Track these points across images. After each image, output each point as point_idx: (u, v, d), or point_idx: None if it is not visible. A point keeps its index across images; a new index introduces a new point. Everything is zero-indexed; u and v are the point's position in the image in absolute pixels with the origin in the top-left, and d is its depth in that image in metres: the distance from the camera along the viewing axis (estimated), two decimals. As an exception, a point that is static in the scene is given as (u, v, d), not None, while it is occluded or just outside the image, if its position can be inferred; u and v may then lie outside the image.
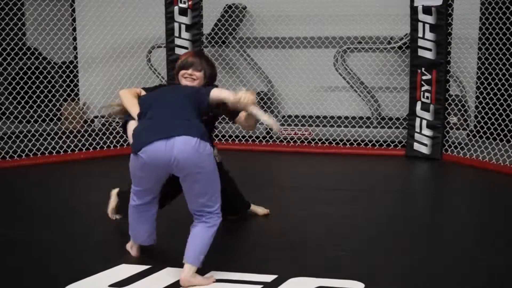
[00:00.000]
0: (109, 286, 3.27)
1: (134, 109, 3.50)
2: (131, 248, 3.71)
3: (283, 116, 7.78)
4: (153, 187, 3.42)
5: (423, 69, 6.62)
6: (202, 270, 3.43)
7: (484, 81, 6.78)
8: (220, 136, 7.47)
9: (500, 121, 6.50)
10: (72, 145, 6.77)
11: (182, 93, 3.49)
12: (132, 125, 3.49)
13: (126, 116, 3.61)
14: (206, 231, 3.32)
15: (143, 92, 3.69)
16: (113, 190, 4.40)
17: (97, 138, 6.99)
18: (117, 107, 3.71)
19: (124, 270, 3.48)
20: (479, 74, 7.10)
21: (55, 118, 7.48)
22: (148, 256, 3.69)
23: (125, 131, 3.59)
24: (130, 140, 3.41)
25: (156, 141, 3.17)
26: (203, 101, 3.42)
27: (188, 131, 3.19)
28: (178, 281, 3.29)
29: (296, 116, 7.66)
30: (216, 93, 3.43)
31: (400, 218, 4.65)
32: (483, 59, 6.98)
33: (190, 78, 3.69)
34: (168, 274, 3.41)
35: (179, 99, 3.41)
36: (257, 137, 7.45)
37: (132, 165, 3.37)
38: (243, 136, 7.39)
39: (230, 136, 7.46)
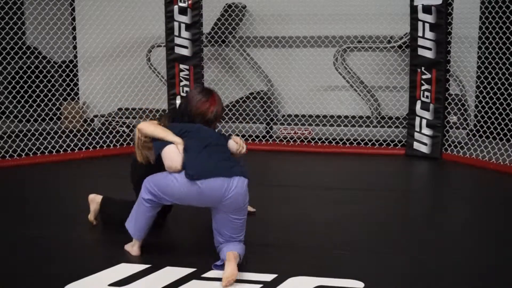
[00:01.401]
0: (109, 285, 3.27)
1: (169, 135, 3.57)
2: (132, 247, 3.71)
3: (283, 116, 7.78)
4: (181, 204, 3.58)
5: (423, 68, 6.62)
6: (202, 270, 3.44)
7: (484, 80, 6.79)
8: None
9: (500, 120, 6.51)
10: (72, 145, 6.77)
11: (217, 136, 3.77)
12: (172, 150, 3.51)
13: (156, 144, 3.61)
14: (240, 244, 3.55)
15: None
16: (91, 196, 4.37)
17: (97, 138, 6.99)
18: (148, 143, 3.72)
19: (124, 269, 3.48)
20: (479, 73, 7.11)
21: (55, 118, 7.48)
22: (147, 255, 3.69)
23: (160, 162, 3.58)
24: (174, 163, 3.46)
25: (218, 177, 3.41)
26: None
27: (244, 173, 3.51)
28: (177, 280, 3.29)
29: (296, 116, 7.66)
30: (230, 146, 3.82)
31: (400, 218, 4.65)
32: (483, 58, 6.99)
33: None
34: (167, 273, 3.41)
35: (220, 141, 3.72)
36: (257, 136, 7.45)
37: (176, 185, 3.44)
38: (243, 135, 7.39)
39: (230, 136, 7.44)
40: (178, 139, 3.54)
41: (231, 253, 3.38)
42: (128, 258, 3.64)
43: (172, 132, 3.60)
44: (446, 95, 6.63)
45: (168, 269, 3.47)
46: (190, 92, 3.93)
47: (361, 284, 3.27)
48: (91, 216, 4.30)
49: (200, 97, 3.81)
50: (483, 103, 6.70)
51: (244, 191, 3.47)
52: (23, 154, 6.45)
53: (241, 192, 3.44)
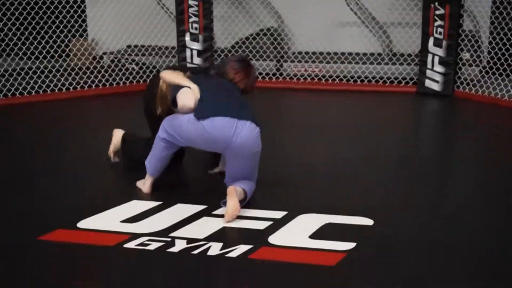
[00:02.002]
0: (121, 221, 3.31)
1: (185, 81, 3.56)
2: (144, 184, 3.75)
3: (293, 53, 7.69)
4: (194, 147, 3.59)
5: (436, 3, 6.48)
6: (213, 207, 3.47)
7: (499, 16, 6.64)
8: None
9: (513, 57, 6.40)
10: (82, 82, 6.75)
11: (239, 92, 3.68)
12: (186, 91, 3.50)
13: (174, 89, 3.60)
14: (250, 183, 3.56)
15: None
16: (115, 131, 4.37)
17: (106, 75, 6.95)
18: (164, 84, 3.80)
19: (135, 206, 3.51)
20: (493, 8, 6.94)
21: (63, 55, 7.43)
22: (159, 192, 3.73)
23: (175, 104, 3.56)
24: (187, 103, 3.46)
25: (225, 116, 3.40)
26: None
27: (255, 119, 3.47)
28: (188, 218, 3.33)
29: (307, 53, 7.57)
30: None
31: (410, 156, 4.64)
32: (498, -7, 6.82)
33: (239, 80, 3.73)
34: (178, 210, 3.45)
35: (236, 93, 3.64)
36: (267, 74, 7.39)
37: (186, 124, 3.45)
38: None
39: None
40: (193, 85, 3.54)
41: (232, 188, 3.38)
42: (140, 195, 3.68)
43: (193, 81, 3.59)
44: (460, 31, 6.51)
45: (179, 206, 3.51)
46: (229, 58, 3.86)
47: (371, 222, 3.29)
48: (110, 150, 4.31)
49: (237, 66, 3.72)
50: (497, 40, 6.58)
51: (254, 138, 3.43)
52: (33, 92, 6.45)
53: (251, 138, 3.41)
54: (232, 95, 3.59)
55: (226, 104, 3.47)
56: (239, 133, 3.39)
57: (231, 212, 3.28)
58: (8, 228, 3.26)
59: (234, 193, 3.34)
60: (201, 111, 3.43)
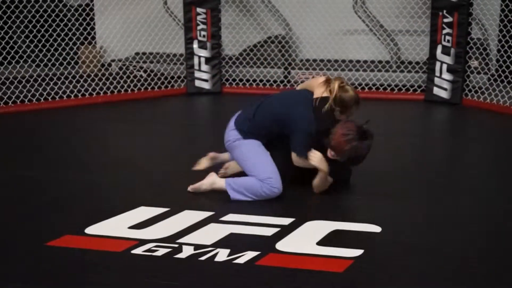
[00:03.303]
0: (129, 228, 3.31)
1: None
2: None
3: (301, 60, 7.70)
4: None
5: (444, 11, 6.48)
6: (220, 213, 3.47)
7: (508, 24, 6.62)
8: (237, 80, 7.44)
9: (522, 65, 6.38)
10: (90, 89, 6.77)
11: None
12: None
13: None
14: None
15: None
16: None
17: (114, 82, 6.98)
18: None
19: (143, 212, 3.52)
20: (502, 16, 6.93)
21: (72, 62, 7.46)
22: (166, 199, 3.73)
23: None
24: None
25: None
26: None
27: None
28: (195, 224, 3.33)
29: (314, 60, 7.57)
30: None
31: (417, 164, 4.63)
32: (507, 1, 6.80)
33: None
34: (186, 217, 3.45)
35: None
36: (275, 81, 7.39)
37: None
38: (260, 80, 7.34)
39: (248, 80, 7.41)
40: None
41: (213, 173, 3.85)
42: (146, 202, 3.68)
43: None
44: (468, 39, 6.50)
45: (186, 213, 3.51)
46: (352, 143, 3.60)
47: (378, 229, 3.28)
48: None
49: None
50: (506, 47, 6.56)
51: (227, 131, 3.85)
52: (42, 99, 6.48)
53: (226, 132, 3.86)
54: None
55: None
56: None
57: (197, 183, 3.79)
58: (17, 233, 3.27)
59: (211, 175, 3.82)
60: None
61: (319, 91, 3.72)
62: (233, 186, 3.71)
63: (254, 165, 3.71)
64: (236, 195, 3.70)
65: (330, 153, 3.60)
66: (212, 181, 3.81)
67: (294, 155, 3.69)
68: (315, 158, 3.62)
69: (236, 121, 3.85)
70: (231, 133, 3.83)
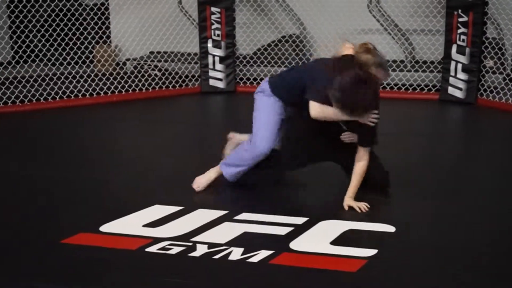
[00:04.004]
0: (143, 226, 3.33)
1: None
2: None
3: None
4: None
5: (459, 10, 6.45)
6: (234, 212, 3.48)
7: (523, 23, 6.58)
8: (251, 79, 7.44)
9: (538, 64, 6.34)
10: (105, 88, 6.81)
11: None
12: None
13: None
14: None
15: None
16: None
17: (129, 81, 7.01)
18: None
19: (157, 211, 3.53)
20: (518, 16, 6.89)
21: (87, 61, 7.51)
22: (180, 197, 3.75)
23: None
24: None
25: None
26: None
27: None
28: (209, 223, 3.34)
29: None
30: None
31: (432, 164, 4.61)
32: (523, 0, 6.76)
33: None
34: (200, 215, 3.46)
35: None
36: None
37: None
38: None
39: (262, 79, 7.41)
40: None
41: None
42: (161, 200, 3.69)
43: None
44: (483, 38, 6.46)
45: (200, 211, 3.52)
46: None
47: (392, 228, 3.27)
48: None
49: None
50: (522, 47, 6.53)
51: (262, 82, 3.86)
52: (57, 97, 6.52)
53: None
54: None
55: None
56: None
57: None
58: (32, 231, 3.30)
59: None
60: None
61: (344, 53, 3.69)
62: (226, 162, 3.85)
63: (254, 119, 3.78)
64: (229, 170, 3.79)
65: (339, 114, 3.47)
66: (208, 174, 3.89)
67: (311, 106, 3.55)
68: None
69: (271, 75, 3.89)
70: (263, 83, 3.83)
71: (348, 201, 3.56)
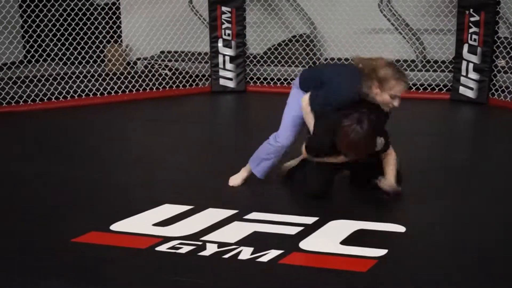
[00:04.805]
0: (153, 225, 3.34)
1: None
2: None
3: (326, 59, 7.68)
4: None
5: (471, 10, 6.41)
6: (243, 211, 3.48)
7: (535, 23, 6.55)
8: (262, 79, 7.44)
9: (550, 64, 6.30)
10: (116, 87, 6.83)
11: None
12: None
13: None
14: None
15: None
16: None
17: (140, 80, 7.03)
18: None
19: (167, 210, 3.54)
20: (530, 15, 6.85)
21: (98, 60, 7.54)
22: (190, 197, 3.75)
23: None
24: None
25: None
26: None
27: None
28: (219, 222, 3.35)
29: (339, 59, 7.54)
30: None
31: (442, 163, 4.59)
32: (535, 0, 6.72)
33: None
34: (210, 214, 3.47)
35: None
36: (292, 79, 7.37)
37: None
38: (285, 79, 7.34)
39: (272, 79, 7.41)
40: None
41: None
42: (171, 199, 3.70)
43: None
44: (495, 38, 6.43)
45: (210, 210, 3.53)
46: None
47: (403, 228, 3.27)
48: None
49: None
50: (534, 47, 6.48)
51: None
52: (68, 97, 6.55)
53: None
54: None
55: None
56: None
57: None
58: (43, 230, 3.32)
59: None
60: None
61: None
62: (253, 157, 3.92)
63: (284, 112, 3.85)
64: (256, 165, 3.89)
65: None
66: (241, 174, 3.98)
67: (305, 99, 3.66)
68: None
69: (305, 69, 3.97)
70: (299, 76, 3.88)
71: (391, 182, 3.60)
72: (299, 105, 3.71)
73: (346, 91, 3.53)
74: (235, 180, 3.97)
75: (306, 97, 3.65)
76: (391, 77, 3.46)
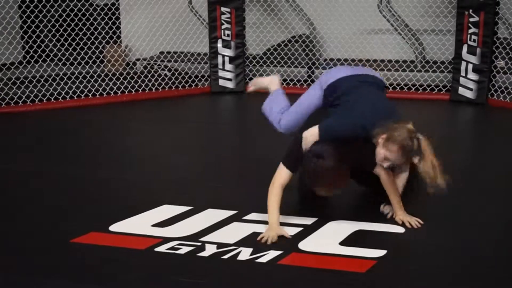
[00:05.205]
0: (152, 225, 3.34)
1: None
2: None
3: (325, 60, 7.68)
4: None
5: (470, 10, 6.41)
6: (243, 212, 3.48)
7: (535, 24, 6.55)
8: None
9: (550, 65, 6.30)
10: (115, 88, 6.83)
11: None
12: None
13: None
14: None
15: None
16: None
17: (139, 81, 7.03)
18: None
19: (166, 211, 3.54)
20: (529, 16, 6.85)
21: (98, 61, 7.53)
22: (189, 197, 3.75)
23: None
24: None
25: None
26: None
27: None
28: (218, 223, 3.35)
29: (339, 60, 7.55)
30: None
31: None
32: (534, 0, 6.72)
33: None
34: (209, 215, 3.47)
35: None
36: (298, 81, 7.39)
37: None
38: (284, 80, 7.34)
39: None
40: None
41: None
42: (170, 200, 3.70)
43: None
44: (494, 38, 6.43)
45: (209, 211, 3.53)
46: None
47: (402, 229, 3.27)
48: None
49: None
50: (533, 47, 6.48)
51: None
52: (68, 97, 6.55)
53: None
54: None
55: None
56: None
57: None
58: (43, 230, 3.32)
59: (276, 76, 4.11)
60: None
61: None
62: (270, 97, 3.96)
63: (297, 100, 3.78)
64: (265, 105, 3.94)
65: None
66: (271, 80, 4.06)
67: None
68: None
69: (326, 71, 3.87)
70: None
71: (403, 216, 3.36)
72: (314, 103, 3.64)
73: (353, 125, 3.28)
74: (258, 81, 4.16)
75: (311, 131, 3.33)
76: (399, 142, 3.28)
